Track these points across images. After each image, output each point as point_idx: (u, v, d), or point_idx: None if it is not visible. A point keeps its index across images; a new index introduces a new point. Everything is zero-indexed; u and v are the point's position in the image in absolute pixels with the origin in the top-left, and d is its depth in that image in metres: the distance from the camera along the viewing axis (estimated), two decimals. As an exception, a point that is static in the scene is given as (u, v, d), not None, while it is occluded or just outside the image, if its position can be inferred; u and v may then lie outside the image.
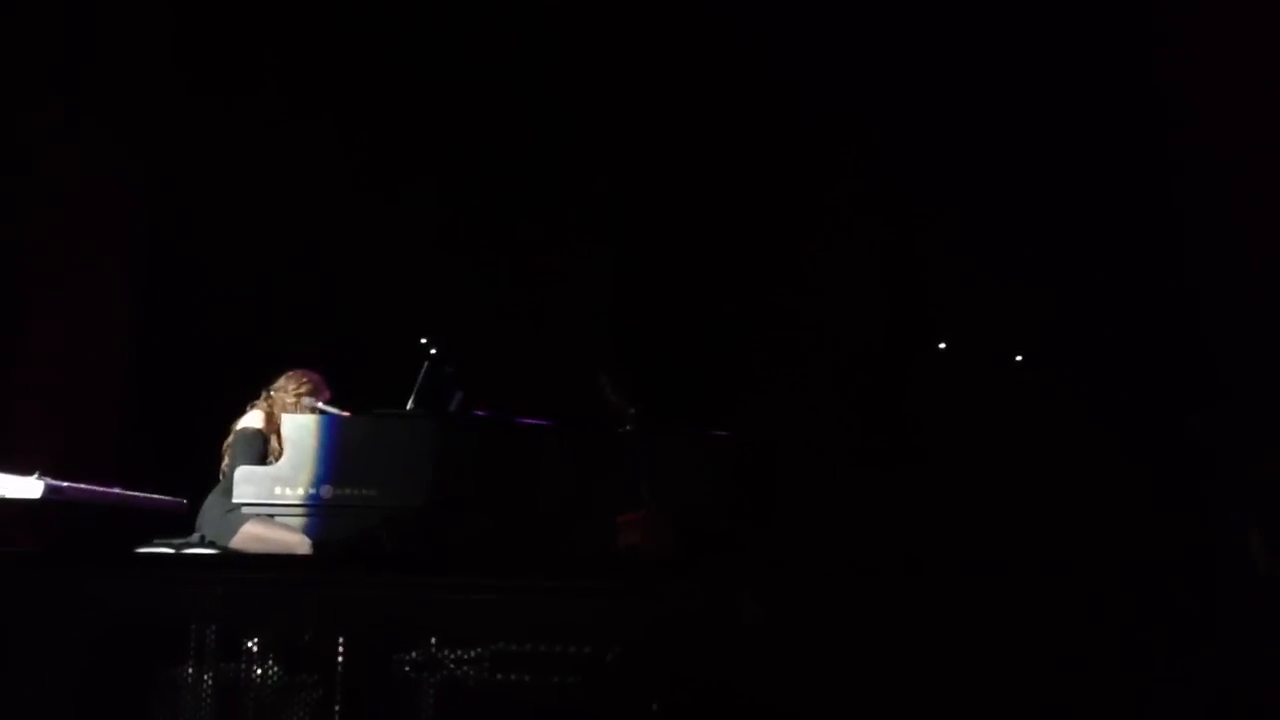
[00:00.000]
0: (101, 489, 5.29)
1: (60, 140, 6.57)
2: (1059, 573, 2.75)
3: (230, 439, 5.04)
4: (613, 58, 7.01)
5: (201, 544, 4.78)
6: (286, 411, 4.97)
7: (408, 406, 4.93)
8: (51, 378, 6.53)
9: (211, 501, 4.96)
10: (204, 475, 5.22)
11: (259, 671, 4.13)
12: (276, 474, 4.72)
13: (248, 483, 4.74)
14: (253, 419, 5.02)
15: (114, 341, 6.83)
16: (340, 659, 3.71)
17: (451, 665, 4.10)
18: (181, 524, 5.17)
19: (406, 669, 4.07)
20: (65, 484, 5.00)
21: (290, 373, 5.15)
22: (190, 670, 4.26)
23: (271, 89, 7.14)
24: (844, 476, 6.33)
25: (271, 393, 5.11)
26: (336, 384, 5.36)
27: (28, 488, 4.87)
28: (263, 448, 4.94)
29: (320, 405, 5.04)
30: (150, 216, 6.97)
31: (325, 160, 7.23)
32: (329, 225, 7.34)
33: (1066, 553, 5.71)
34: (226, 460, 5.02)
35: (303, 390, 5.06)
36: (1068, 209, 6.56)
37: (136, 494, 5.38)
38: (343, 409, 4.95)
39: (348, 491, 4.70)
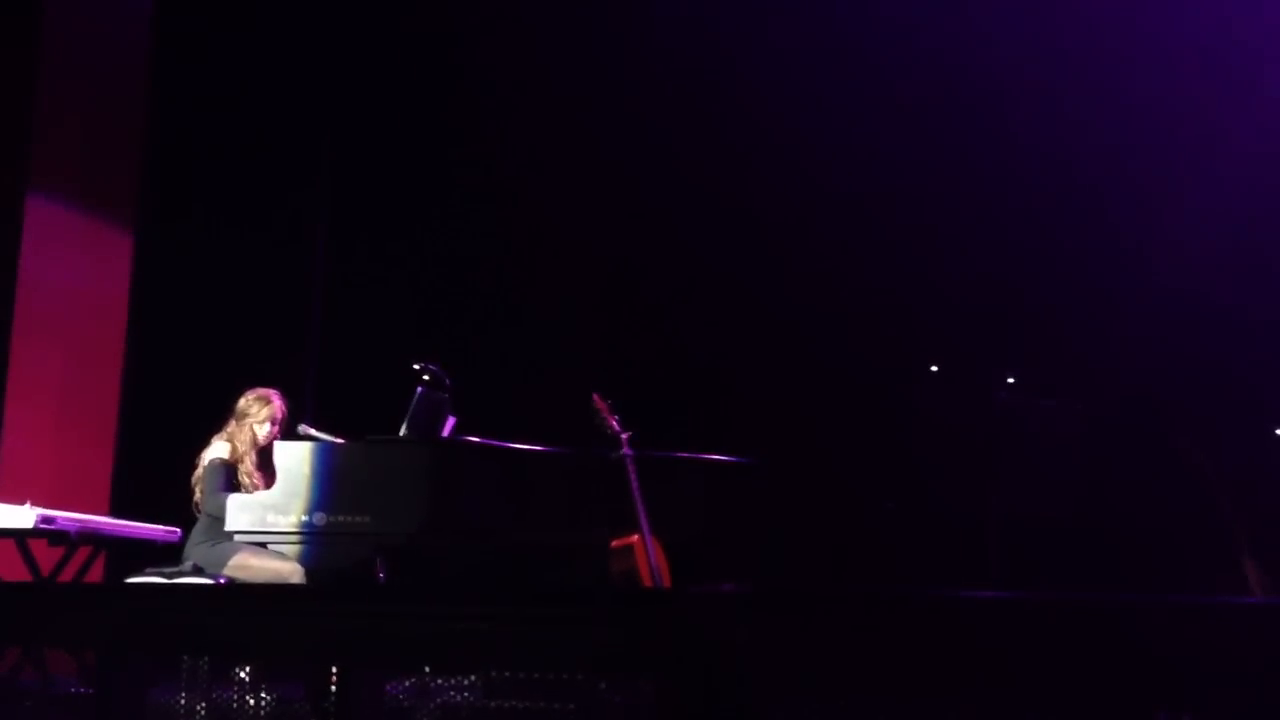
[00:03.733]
0: (94, 518, 5.28)
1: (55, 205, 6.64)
2: (1054, 599, 2.74)
3: (198, 472, 4.99)
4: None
5: (194, 573, 4.76)
6: (249, 435, 4.96)
7: (401, 433, 4.92)
8: (44, 408, 6.52)
9: (196, 534, 4.92)
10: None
11: (252, 700, 4.12)
12: (269, 501, 4.70)
13: (241, 511, 4.72)
14: (217, 450, 4.99)
15: (107, 371, 6.84)
16: (334, 687, 3.70)
17: (445, 693, 4.09)
18: (174, 554, 5.14)
19: (400, 697, 4.06)
20: (57, 513, 4.98)
21: (245, 396, 5.09)
22: (184, 699, 4.25)
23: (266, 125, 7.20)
24: (837, 500, 6.32)
25: (234, 420, 5.04)
26: (330, 410, 5.34)
27: (20, 517, 4.86)
28: (229, 476, 4.91)
29: (272, 429, 4.99)
30: (141, 241, 6.99)
31: (313, 175, 7.27)
32: (325, 247, 7.37)
33: (1061, 578, 5.71)
34: (199, 495, 4.97)
35: (253, 408, 5.00)
36: (1063, 227, 6.58)
37: (129, 524, 5.37)
38: (336, 435, 4.93)
39: (341, 519, 4.68)
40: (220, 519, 4.76)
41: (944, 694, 2.61)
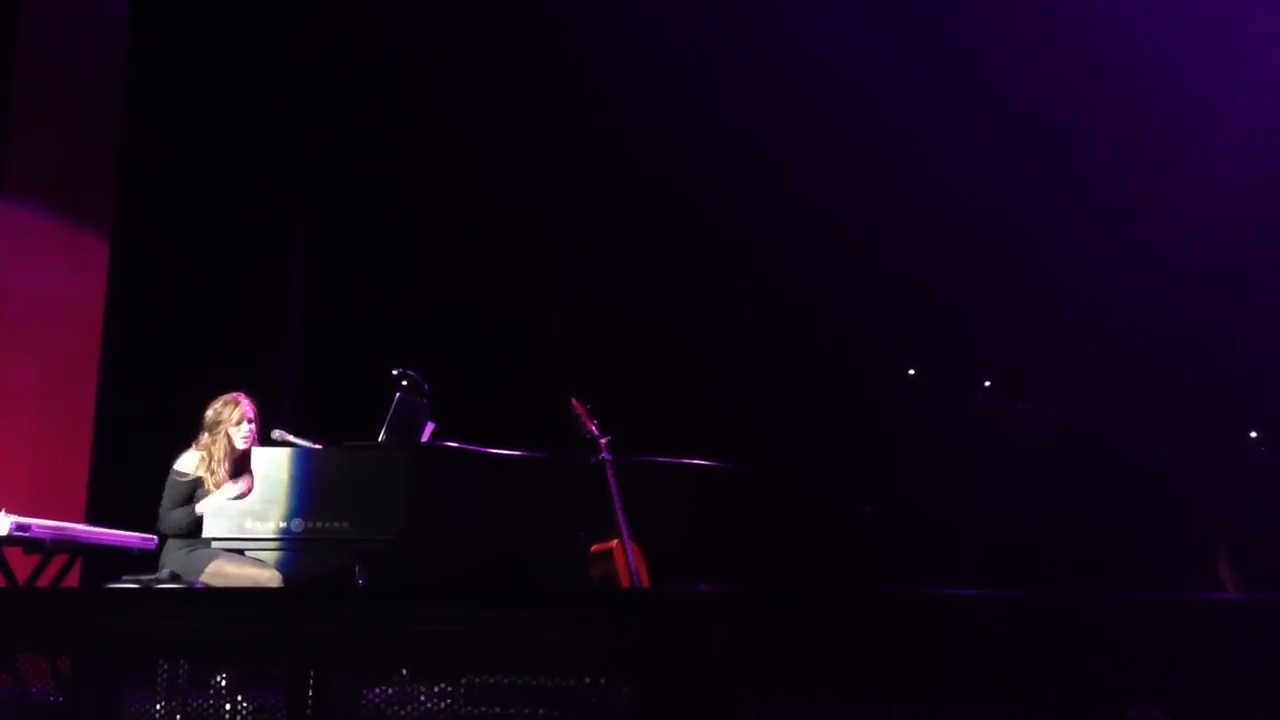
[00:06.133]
0: (69, 526, 5.24)
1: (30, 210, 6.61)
2: (1027, 596, 2.76)
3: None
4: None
5: (170, 580, 4.73)
6: (224, 442, 4.93)
7: (380, 438, 4.91)
8: (20, 415, 6.48)
9: (173, 541, 4.90)
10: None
11: (228, 707, 4.09)
12: (247, 508, 4.68)
13: (218, 517, 4.69)
14: (186, 462, 4.94)
15: (83, 377, 6.80)
16: (310, 693, 3.67)
17: (424, 699, 4.07)
18: (151, 561, 5.12)
19: (379, 703, 4.03)
20: (32, 521, 4.95)
21: (212, 405, 5.04)
22: (160, 706, 4.22)
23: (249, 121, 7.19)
24: (816, 503, 6.34)
25: (205, 432, 5.01)
26: (309, 416, 5.33)
27: (-6, 524, 4.83)
28: (188, 491, 4.88)
29: (249, 428, 4.97)
30: (117, 246, 6.96)
31: (291, 178, 7.26)
32: (303, 252, 7.35)
33: (1037, 578, 5.74)
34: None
35: (224, 413, 4.97)
36: (1040, 232, 6.62)
37: (105, 531, 5.33)
38: (314, 441, 4.92)
39: (319, 525, 4.66)
40: (181, 535, 4.76)
41: (919, 692, 2.62)
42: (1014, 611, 2.50)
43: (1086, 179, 6.56)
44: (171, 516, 4.86)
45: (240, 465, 4.93)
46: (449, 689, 4.25)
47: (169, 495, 4.90)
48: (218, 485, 4.89)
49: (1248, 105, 6.36)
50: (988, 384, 5.75)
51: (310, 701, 3.77)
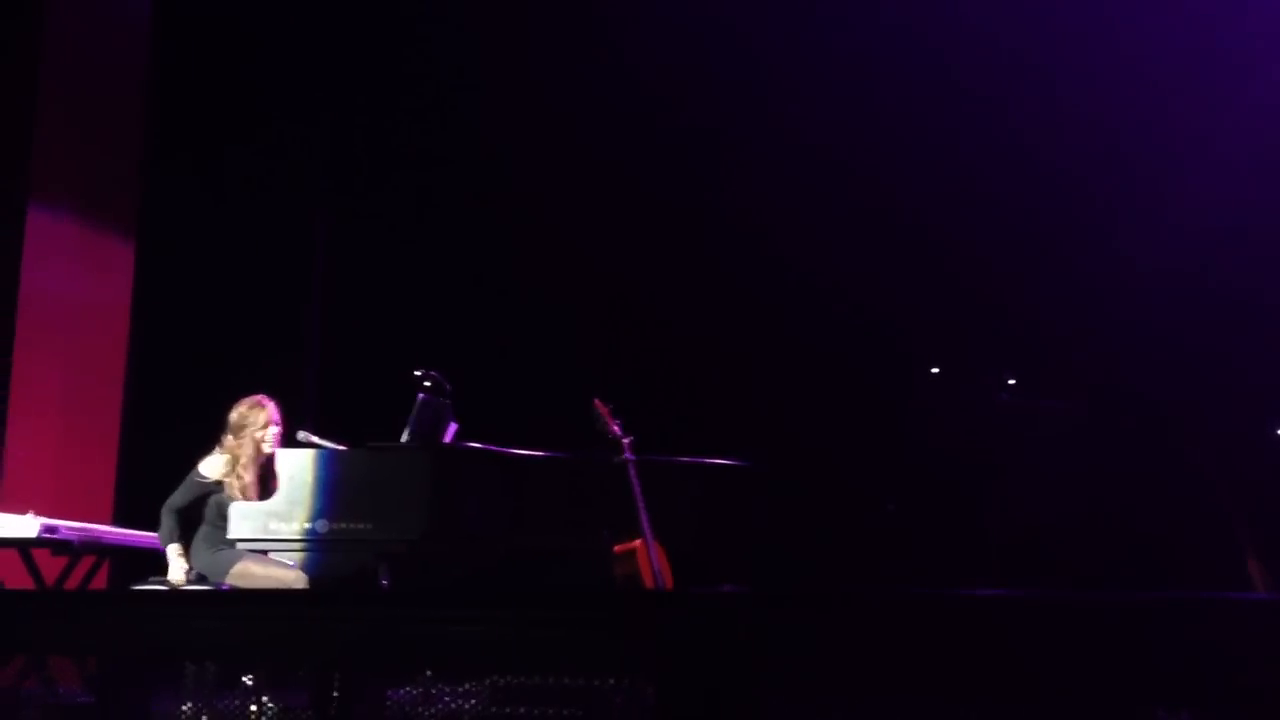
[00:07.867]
0: (96, 528, 5.28)
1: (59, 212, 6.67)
2: (1054, 597, 2.74)
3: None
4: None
5: (196, 581, 4.76)
6: (252, 446, 4.95)
7: (403, 439, 4.92)
8: (47, 418, 6.53)
9: (199, 542, 4.93)
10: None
11: (254, 707, 4.11)
12: (271, 509, 4.70)
13: (243, 518, 4.72)
14: (210, 466, 4.96)
15: (110, 380, 6.85)
16: (335, 693, 3.69)
17: (448, 699, 4.09)
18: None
19: (403, 703, 4.05)
20: (60, 523, 4.99)
21: (236, 407, 5.04)
22: (187, 706, 4.25)
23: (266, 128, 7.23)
24: (841, 502, 6.32)
25: (230, 435, 5.02)
26: (332, 417, 5.35)
27: (23, 526, 4.87)
28: (200, 494, 4.90)
29: (276, 431, 4.98)
30: (142, 250, 7.01)
31: (313, 182, 7.29)
32: (323, 254, 7.38)
33: (1062, 577, 5.70)
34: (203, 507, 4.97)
35: (249, 416, 4.98)
36: (1064, 227, 6.58)
37: (132, 533, 5.37)
38: (337, 442, 4.93)
39: (343, 526, 4.67)
40: (220, 527, 4.77)
41: (944, 693, 2.60)
42: (1040, 612, 2.48)
43: (1115, 171, 6.52)
44: (165, 513, 4.87)
45: (266, 468, 4.94)
46: (474, 689, 4.26)
47: (179, 490, 4.91)
48: (243, 489, 4.90)
49: (1276, 89, 6.30)
50: (1012, 381, 5.71)
51: (335, 701, 3.79)
